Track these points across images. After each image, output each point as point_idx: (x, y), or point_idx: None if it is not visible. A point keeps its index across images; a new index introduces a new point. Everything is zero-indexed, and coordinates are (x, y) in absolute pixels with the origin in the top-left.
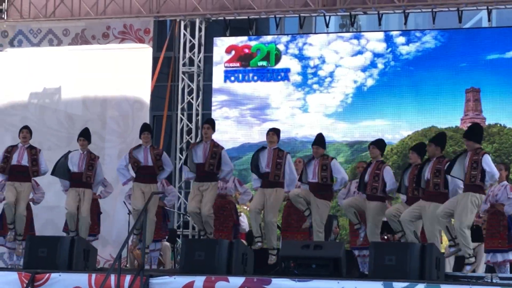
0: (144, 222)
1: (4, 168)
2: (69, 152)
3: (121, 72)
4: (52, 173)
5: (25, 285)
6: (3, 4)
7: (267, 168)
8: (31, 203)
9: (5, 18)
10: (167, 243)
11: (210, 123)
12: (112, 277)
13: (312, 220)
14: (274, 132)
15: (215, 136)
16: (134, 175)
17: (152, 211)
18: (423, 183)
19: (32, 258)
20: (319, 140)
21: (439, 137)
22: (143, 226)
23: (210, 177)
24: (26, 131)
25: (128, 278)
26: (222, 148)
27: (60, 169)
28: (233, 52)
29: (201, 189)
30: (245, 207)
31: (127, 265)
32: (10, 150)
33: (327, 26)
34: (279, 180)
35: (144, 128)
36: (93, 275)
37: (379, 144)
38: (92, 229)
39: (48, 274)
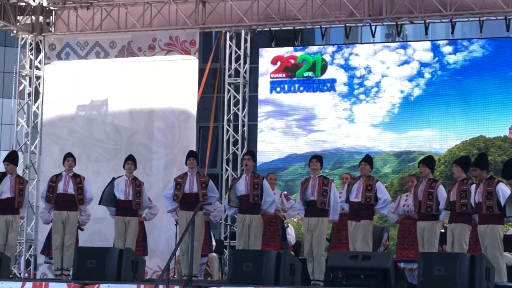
0: (192, 234)
1: (50, 197)
2: (114, 179)
3: (167, 84)
4: (100, 203)
5: None
6: (51, 17)
7: (312, 196)
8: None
9: (53, 31)
10: (214, 254)
11: (250, 155)
12: None
13: (358, 244)
14: (317, 160)
15: (261, 146)
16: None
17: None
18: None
19: (81, 269)
20: (368, 158)
21: (482, 160)
22: (190, 237)
23: (254, 209)
24: (71, 159)
25: None
26: (263, 178)
27: (107, 197)
28: (278, 63)
29: (245, 223)
30: (293, 219)
31: (175, 276)
32: (55, 179)
33: (373, 35)
34: (325, 208)
35: (190, 154)
36: (142, 286)
37: (429, 162)
38: (137, 251)
39: (97, 285)
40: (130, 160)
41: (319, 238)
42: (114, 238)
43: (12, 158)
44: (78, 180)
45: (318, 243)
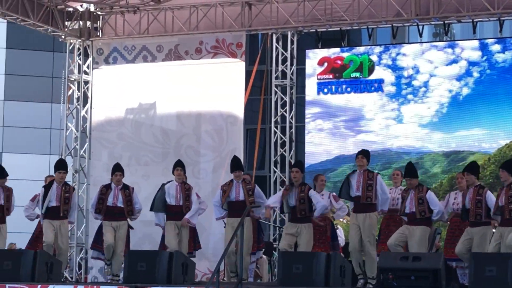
0: (241, 236)
1: (100, 209)
2: (163, 184)
3: (215, 87)
4: (151, 209)
5: None
6: (98, 22)
7: (357, 191)
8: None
9: (100, 36)
10: (264, 256)
11: (299, 167)
12: None
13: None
14: (363, 156)
15: (309, 148)
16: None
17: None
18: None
19: (132, 273)
20: (411, 171)
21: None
22: (239, 240)
23: (304, 219)
24: (120, 173)
25: None
26: (309, 188)
27: (159, 203)
28: (325, 64)
29: (295, 230)
30: (342, 220)
31: (225, 278)
32: (105, 191)
33: (421, 35)
34: (371, 202)
35: (236, 167)
36: None
37: (473, 168)
38: (189, 248)
39: None
40: (179, 166)
41: (368, 234)
42: (165, 241)
43: (65, 166)
44: (127, 192)
45: (368, 239)
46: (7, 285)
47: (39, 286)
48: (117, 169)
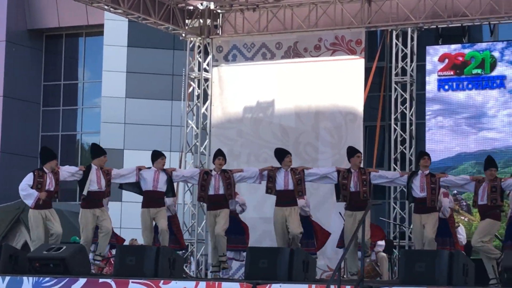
0: (362, 234)
1: (203, 197)
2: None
3: (333, 84)
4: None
5: None
6: (218, 20)
7: (422, 192)
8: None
9: (220, 33)
10: (384, 254)
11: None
12: None
13: None
14: (428, 158)
15: (430, 145)
16: None
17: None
18: None
19: (253, 269)
20: (490, 163)
21: None
22: (361, 239)
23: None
24: (221, 158)
25: None
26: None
27: None
28: (446, 61)
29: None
30: (463, 218)
31: (345, 276)
32: (206, 178)
33: None
34: (434, 205)
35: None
36: (313, 286)
37: None
38: None
39: (269, 285)
40: (220, 155)
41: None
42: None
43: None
44: (227, 175)
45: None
46: (130, 281)
47: (162, 281)
48: (219, 153)
